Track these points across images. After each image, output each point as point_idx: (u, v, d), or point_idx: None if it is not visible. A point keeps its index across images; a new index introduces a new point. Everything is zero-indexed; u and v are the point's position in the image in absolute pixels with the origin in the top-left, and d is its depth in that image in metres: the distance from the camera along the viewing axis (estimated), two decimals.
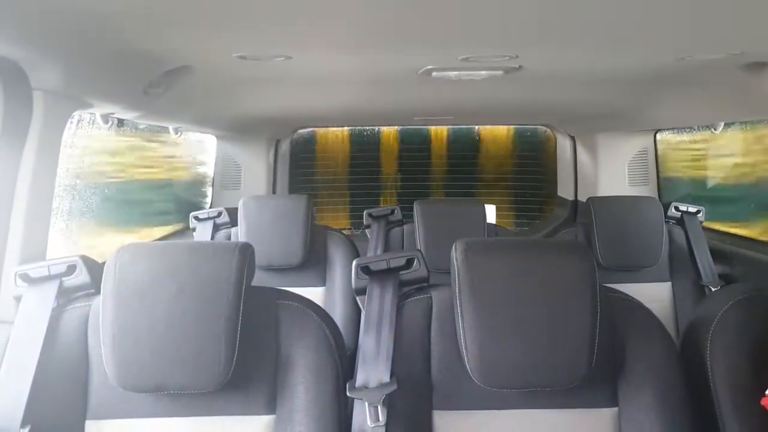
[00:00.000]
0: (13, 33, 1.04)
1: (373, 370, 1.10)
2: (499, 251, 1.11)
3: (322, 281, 2.21)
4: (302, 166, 3.63)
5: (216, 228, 2.36)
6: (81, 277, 1.17)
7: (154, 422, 1.10)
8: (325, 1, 0.96)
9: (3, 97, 1.16)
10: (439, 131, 3.68)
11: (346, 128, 3.62)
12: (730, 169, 2.65)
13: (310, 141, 3.65)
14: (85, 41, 1.16)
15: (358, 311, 1.22)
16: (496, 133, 3.67)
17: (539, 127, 3.61)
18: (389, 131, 3.65)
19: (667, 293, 2.28)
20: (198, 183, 3.19)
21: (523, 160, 3.66)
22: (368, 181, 3.67)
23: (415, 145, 3.68)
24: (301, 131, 3.59)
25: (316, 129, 3.62)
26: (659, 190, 3.02)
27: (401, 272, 1.21)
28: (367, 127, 3.63)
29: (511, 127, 3.65)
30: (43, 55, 1.15)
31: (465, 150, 3.68)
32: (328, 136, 3.65)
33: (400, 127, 3.65)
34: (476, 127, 3.66)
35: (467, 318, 1.06)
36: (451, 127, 3.65)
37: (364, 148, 3.68)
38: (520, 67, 1.52)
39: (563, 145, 3.42)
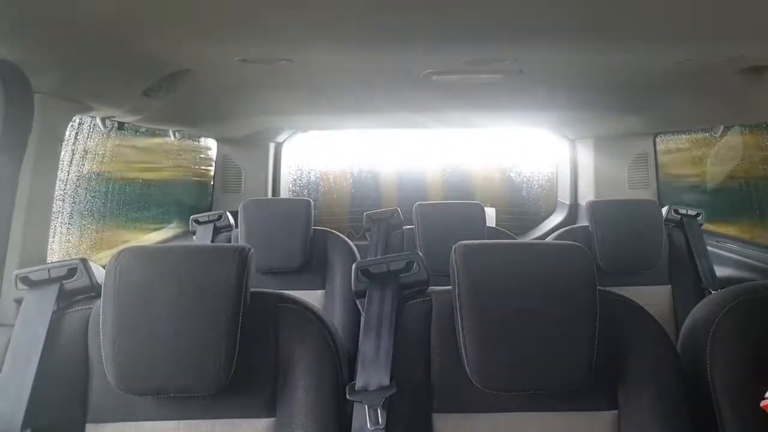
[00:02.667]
0: (14, 36, 1.04)
1: (372, 373, 1.10)
2: (499, 254, 1.11)
3: (322, 284, 2.21)
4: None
5: (216, 231, 2.36)
6: (81, 280, 1.17)
7: (153, 425, 1.10)
8: (326, 6, 0.96)
9: (4, 99, 1.16)
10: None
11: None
12: None
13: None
14: (86, 44, 1.17)
15: (358, 314, 1.22)
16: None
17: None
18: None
19: (667, 296, 2.27)
20: None
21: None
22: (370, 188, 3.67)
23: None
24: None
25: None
26: (659, 193, 3.02)
27: (401, 275, 1.21)
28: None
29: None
30: (45, 58, 1.15)
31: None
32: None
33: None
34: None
35: (467, 321, 1.06)
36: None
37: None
38: (520, 70, 1.53)
39: (562, 148, 3.42)
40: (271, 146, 3.29)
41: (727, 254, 2.39)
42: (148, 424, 1.10)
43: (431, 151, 3.68)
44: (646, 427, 1.09)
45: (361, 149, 3.64)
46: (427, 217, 2.39)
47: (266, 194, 3.25)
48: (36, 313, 1.12)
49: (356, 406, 1.10)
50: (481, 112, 2.58)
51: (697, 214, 2.37)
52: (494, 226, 2.83)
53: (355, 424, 1.09)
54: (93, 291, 1.18)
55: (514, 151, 3.66)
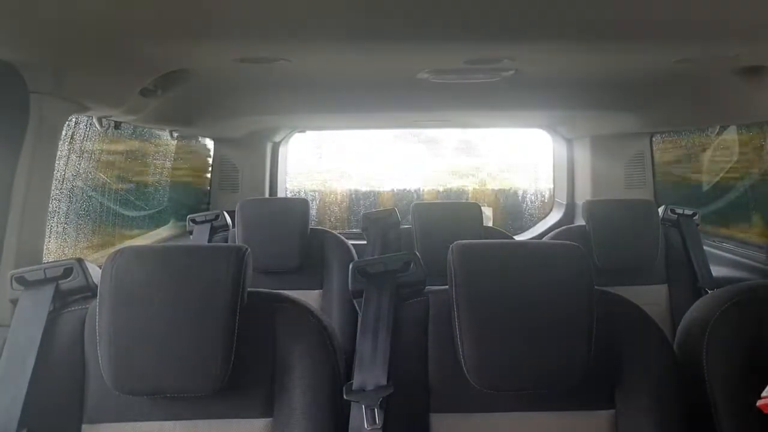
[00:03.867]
0: (9, 36, 1.04)
1: (370, 372, 1.10)
2: (496, 254, 1.11)
3: (319, 284, 2.21)
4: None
5: (213, 231, 2.35)
6: (77, 280, 1.17)
7: (150, 426, 1.10)
8: (323, 6, 0.96)
9: None
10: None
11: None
12: None
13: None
14: (82, 44, 1.16)
15: (355, 314, 1.22)
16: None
17: None
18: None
19: (664, 295, 2.27)
20: None
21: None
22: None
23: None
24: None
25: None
26: (655, 192, 3.03)
27: (398, 275, 1.21)
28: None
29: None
30: (40, 57, 1.15)
31: None
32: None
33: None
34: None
35: (464, 320, 1.06)
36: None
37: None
38: (517, 70, 1.53)
39: (559, 148, 3.42)
40: (269, 146, 3.29)
41: (723, 254, 2.39)
42: (145, 425, 1.10)
43: (429, 152, 3.70)
44: (643, 426, 1.09)
45: (359, 150, 3.66)
46: (424, 217, 2.39)
47: (263, 194, 3.24)
48: (32, 313, 1.11)
49: (353, 406, 1.10)
50: (478, 111, 2.59)
51: (694, 214, 2.37)
52: (491, 225, 2.83)
53: (353, 424, 1.08)
54: (89, 291, 1.17)
55: (511, 150, 3.67)
